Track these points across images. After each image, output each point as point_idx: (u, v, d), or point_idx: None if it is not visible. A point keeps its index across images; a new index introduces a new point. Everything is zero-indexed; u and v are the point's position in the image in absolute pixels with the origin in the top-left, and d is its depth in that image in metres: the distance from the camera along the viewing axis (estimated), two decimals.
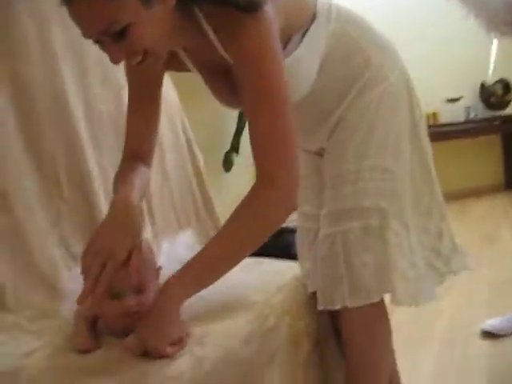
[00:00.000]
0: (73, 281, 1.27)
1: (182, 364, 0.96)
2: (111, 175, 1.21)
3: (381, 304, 1.19)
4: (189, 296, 1.01)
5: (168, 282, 0.99)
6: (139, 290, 1.01)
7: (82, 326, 1.04)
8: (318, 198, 1.26)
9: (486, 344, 1.99)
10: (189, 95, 1.96)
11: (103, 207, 1.43)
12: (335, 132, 1.20)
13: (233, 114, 2.90)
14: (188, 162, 1.80)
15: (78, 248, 1.35)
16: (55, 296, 1.27)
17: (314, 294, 1.26)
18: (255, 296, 1.24)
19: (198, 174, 1.83)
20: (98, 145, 1.51)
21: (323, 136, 1.22)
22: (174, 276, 1.00)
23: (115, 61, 0.97)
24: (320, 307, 1.17)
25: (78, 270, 1.22)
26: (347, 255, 1.14)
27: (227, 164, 2.95)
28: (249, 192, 1.02)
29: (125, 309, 0.99)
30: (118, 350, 0.98)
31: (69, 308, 1.19)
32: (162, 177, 1.68)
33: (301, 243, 1.34)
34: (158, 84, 1.20)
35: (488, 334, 2.03)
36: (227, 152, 3.00)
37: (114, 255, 0.98)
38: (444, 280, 1.25)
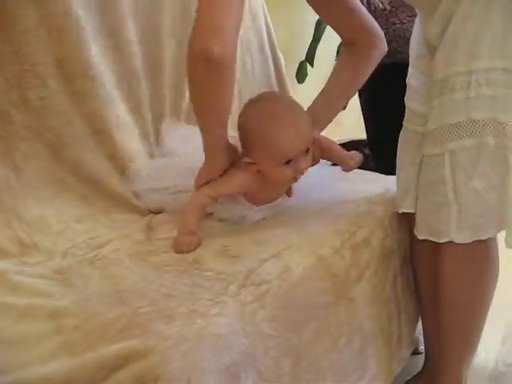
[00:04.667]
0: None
1: (270, 268, 0.88)
2: None
3: (491, 238, 1.05)
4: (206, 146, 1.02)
5: None
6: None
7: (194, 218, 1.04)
8: (427, 96, 1.06)
9: None
10: None
11: None
12: (446, 31, 0.99)
13: (311, 19, 2.69)
14: (270, 62, 1.67)
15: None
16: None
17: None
18: (346, 207, 1.15)
19: (279, 77, 1.71)
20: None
21: (435, 33, 1.02)
22: None
23: None
24: (421, 237, 1.06)
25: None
26: (455, 180, 0.99)
27: (301, 75, 2.77)
28: None
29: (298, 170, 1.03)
30: None
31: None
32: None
33: (403, 147, 1.15)
34: None
35: None
36: (301, 62, 2.81)
37: None
38: None
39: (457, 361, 1.14)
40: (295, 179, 1.06)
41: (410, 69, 1.16)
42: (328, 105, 1.22)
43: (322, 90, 1.23)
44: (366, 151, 1.84)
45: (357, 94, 1.52)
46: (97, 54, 1.17)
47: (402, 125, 1.15)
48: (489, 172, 0.97)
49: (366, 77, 1.21)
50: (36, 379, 0.73)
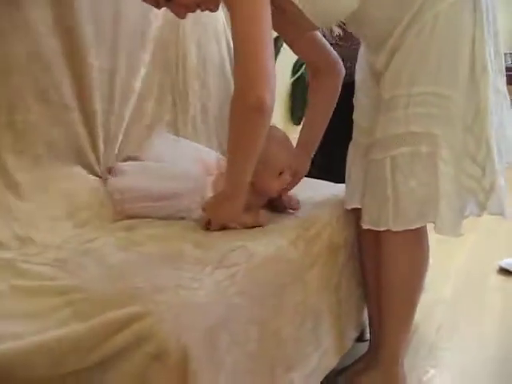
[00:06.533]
0: None
1: (238, 255, 1.08)
2: None
3: (422, 228, 1.26)
4: (235, 192, 1.19)
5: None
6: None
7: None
8: (372, 113, 1.29)
9: (502, 279, 2.11)
10: None
11: None
12: (391, 61, 1.21)
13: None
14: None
15: None
16: None
17: (353, 210, 1.37)
18: (302, 209, 1.38)
19: None
20: None
21: (382, 62, 1.24)
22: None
23: (180, 17, 1.17)
24: (365, 226, 1.27)
25: None
26: (394, 179, 1.20)
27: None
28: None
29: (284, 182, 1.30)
30: None
31: None
32: None
33: (353, 156, 1.38)
34: None
35: (504, 271, 2.16)
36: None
37: None
38: (481, 214, 1.25)
39: (394, 335, 1.35)
40: (280, 192, 1.32)
41: (356, 92, 1.40)
42: (313, 129, 1.45)
43: (306, 117, 1.46)
44: None
45: None
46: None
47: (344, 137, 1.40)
48: (420, 173, 1.18)
49: (337, 95, 1.43)
50: (49, 341, 0.88)
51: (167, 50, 1.65)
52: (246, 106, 1.00)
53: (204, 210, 1.25)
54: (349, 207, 1.39)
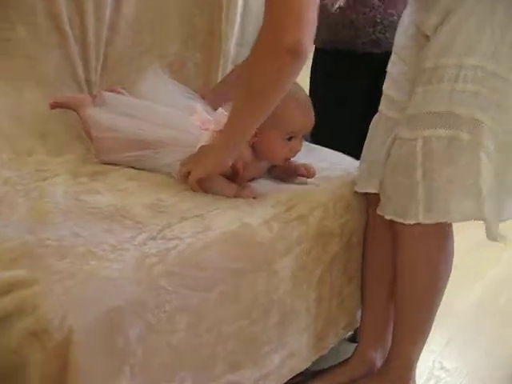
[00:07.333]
0: None
1: (187, 227, 0.90)
2: None
3: (448, 227, 1.08)
4: (230, 145, 1.02)
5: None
6: None
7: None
8: (408, 85, 1.09)
9: None
10: None
11: None
12: (443, 23, 1.01)
13: None
14: None
15: None
16: None
17: (364, 194, 1.17)
18: (299, 182, 1.17)
19: None
20: None
21: (431, 24, 1.03)
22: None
23: None
24: (387, 217, 1.07)
25: None
26: (426, 165, 1.00)
27: None
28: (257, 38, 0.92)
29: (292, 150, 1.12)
30: None
31: None
32: None
33: (374, 131, 1.16)
34: None
35: None
36: None
37: None
38: None
39: (408, 344, 1.16)
40: (286, 159, 1.13)
41: (392, 57, 1.17)
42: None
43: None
44: None
45: None
46: None
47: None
48: (460, 163, 0.99)
49: None
50: None
51: None
52: (281, 47, 0.88)
53: (183, 163, 1.07)
54: (361, 191, 1.16)
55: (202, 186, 1.04)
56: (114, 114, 1.17)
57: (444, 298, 1.15)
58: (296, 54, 0.88)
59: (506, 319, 1.67)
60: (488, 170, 0.99)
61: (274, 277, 1.00)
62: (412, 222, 1.02)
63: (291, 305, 1.07)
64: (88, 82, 1.26)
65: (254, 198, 1.06)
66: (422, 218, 1.01)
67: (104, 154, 1.16)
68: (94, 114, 1.17)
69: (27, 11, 1.13)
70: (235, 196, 1.05)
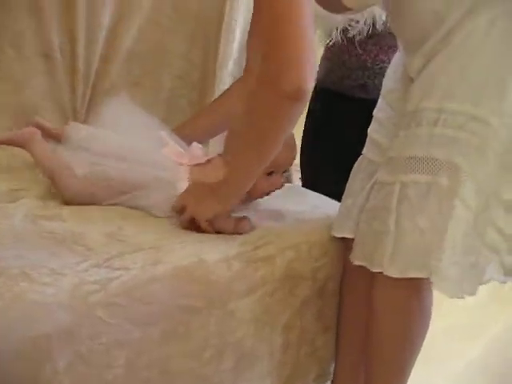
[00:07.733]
0: None
1: (138, 258, 0.87)
2: None
3: (426, 286, 0.99)
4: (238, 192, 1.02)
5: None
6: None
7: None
8: (394, 130, 1.05)
9: None
10: None
11: None
12: (426, 66, 0.98)
13: None
14: None
15: None
16: None
17: (344, 240, 1.12)
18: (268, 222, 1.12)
19: None
20: None
21: (415, 66, 1.00)
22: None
23: None
24: (355, 262, 1.02)
25: None
26: (399, 211, 0.95)
27: None
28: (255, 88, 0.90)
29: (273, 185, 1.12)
30: None
31: None
32: None
33: (356, 174, 1.13)
34: None
35: None
36: None
37: None
38: (505, 280, 1.00)
39: None
40: (266, 194, 1.13)
41: (379, 101, 1.15)
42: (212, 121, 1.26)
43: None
44: None
45: None
46: None
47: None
48: (434, 213, 0.93)
49: None
50: None
51: None
52: (281, 96, 0.87)
53: (179, 209, 1.03)
54: (337, 235, 1.12)
55: (214, 226, 1.02)
56: (80, 154, 1.09)
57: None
58: (297, 99, 0.87)
59: None
60: (460, 221, 0.92)
61: (229, 317, 0.95)
62: (376, 270, 0.97)
63: (252, 348, 1.01)
64: (74, 110, 1.26)
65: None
66: (387, 268, 0.95)
67: (74, 200, 1.08)
68: (59, 153, 1.10)
69: (16, 34, 1.15)
70: (233, 231, 1.04)
